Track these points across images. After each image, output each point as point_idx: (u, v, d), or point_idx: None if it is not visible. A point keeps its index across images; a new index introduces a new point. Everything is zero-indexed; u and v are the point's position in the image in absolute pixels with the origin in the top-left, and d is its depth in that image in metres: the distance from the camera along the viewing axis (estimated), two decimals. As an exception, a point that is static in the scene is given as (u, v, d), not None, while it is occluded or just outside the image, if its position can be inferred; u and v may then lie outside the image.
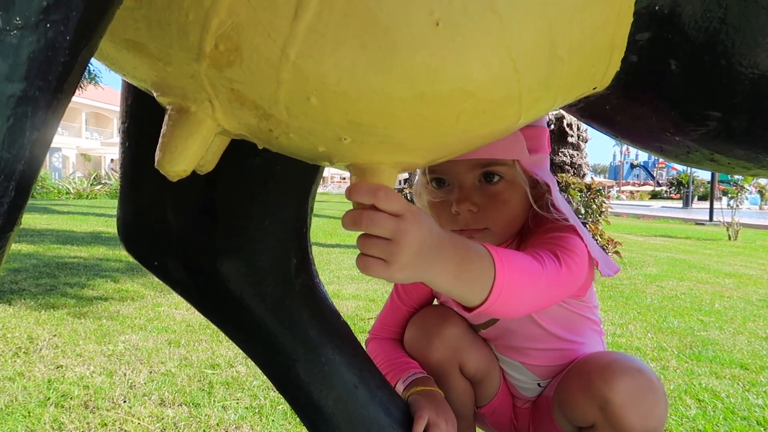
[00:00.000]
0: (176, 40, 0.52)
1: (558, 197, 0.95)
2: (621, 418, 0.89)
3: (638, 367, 0.92)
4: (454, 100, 0.52)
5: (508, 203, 0.94)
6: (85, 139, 36.76)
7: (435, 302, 1.19)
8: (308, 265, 0.95)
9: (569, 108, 0.74)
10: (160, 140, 0.60)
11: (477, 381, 1.14)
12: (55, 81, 0.38)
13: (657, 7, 0.54)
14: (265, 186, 0.89)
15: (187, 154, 0.59)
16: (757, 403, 2.10)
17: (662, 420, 0.91)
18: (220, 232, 0.89)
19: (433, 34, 0.47)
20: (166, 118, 0.60)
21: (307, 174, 0.91)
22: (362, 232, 0.62)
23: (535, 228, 0.97)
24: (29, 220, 7.53)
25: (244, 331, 0.93)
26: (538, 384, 1.14)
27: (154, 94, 0.60)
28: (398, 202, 0.60)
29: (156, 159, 0.60)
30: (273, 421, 1.77)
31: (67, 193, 16.86)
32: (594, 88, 0.63)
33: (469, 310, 0.73)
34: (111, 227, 7.53)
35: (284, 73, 0.50)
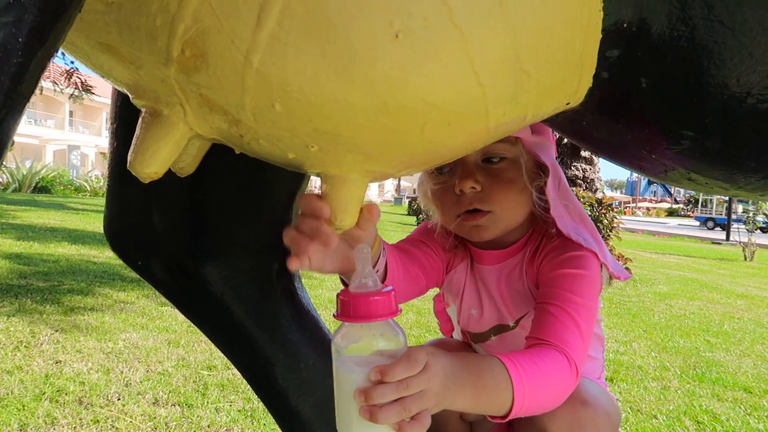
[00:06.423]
0: (145, 45, 0.52)
1: (557, 186, 0.92)
2: None
3: (585, 399, 0.86)
4: (418, 111, 0.52)
5: (512, 183, 0.91)
6: (104, 138, 37.25)
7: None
8: (290, 270, 0.95)
9: (549, 122, 0.74)
10: (133, 142, 0.61)
11: (475, 420, 1.12)
12: (8, 81, 0.38)
13: (625, 25, 0.54)
14: (249, 190, 0.89)
15: (158, 156, 0.60)
16: (758, 427, 2.06)
17: None
18: (203, 235, 0.90)
19: (393, 45, 0.48)
20: (140, 120, 0.61)
21: (292, 180, 0.92)
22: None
23: (548, 243, 0.94)
24: (42, 215, 7.63)
25: (224, 334, 0.94)
26: None
27: (130, 96, 0.61)
28: (422, 358, 0.64)
29: (128, 160, 0.61)
30: (265, 425, 1.78)
31: (84, 191, 17.07)
32: (567, 104, 0.63)
33: (500, 418, 0.74)
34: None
35: (248, 79, 0.51)
